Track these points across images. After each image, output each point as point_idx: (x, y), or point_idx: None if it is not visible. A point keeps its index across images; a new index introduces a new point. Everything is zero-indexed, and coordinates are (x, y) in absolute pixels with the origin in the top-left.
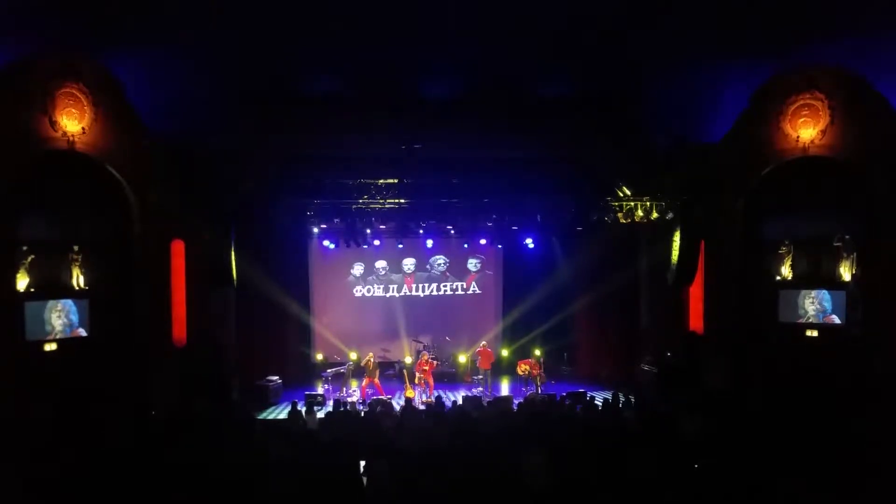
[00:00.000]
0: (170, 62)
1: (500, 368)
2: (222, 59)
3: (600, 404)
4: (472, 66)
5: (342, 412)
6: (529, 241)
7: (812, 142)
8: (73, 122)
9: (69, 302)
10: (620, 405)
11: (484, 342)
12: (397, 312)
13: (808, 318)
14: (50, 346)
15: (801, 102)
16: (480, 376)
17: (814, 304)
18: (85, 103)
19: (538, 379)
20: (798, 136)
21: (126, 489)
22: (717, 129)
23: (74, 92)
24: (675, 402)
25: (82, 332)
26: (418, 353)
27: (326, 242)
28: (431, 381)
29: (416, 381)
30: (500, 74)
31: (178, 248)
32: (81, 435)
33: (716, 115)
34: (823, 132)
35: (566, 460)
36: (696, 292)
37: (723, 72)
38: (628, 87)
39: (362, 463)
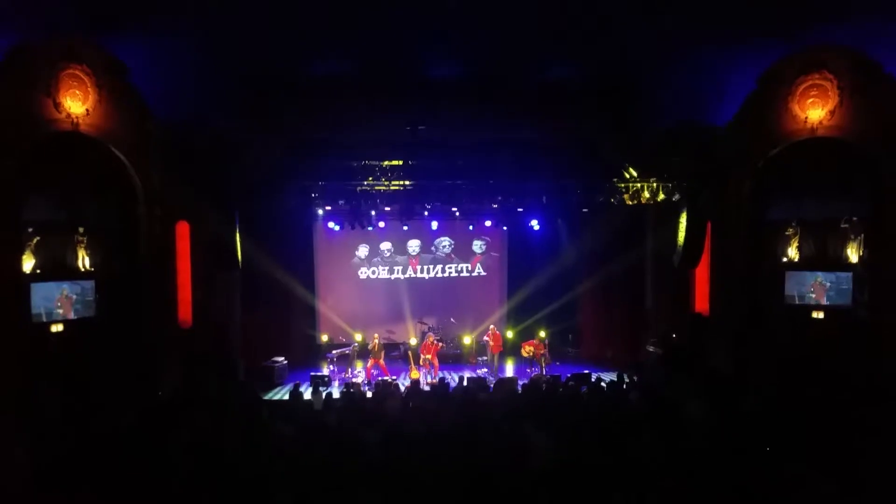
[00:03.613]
0: (172, 47)
1: (505, 350)
2: (224, 43)
3: (605, 386)
4: (476, 48)
5: (347, 393)
6: (535, 223)
7: (820, 123)
8: (76, 104)
9: (67, 284)
10: (625, 386)
11: (493, 325)
12: (402, 294)
13: (807, 299)
14: (56, 328)
15: (810, 83)
16: (485, 357)
17: (814, 289)
18: (88, 84)
19: (543, 360)
20: (806, 117)
21: (132, 469)
22: (724, 111)
23: (78, 73)
24: (680, 384)
25: (86, 315)
26: (423, 334)
27: (331, 224)
28: (436, 363)
29: (422, 362)
30: (504, 57)
31: (182, 230)
32: (87, 416)
33: (723, 96)
34: (832, 113)
35: (570, 441)
36: (701, 274)
37: (731, 53)
38: (635, 69)
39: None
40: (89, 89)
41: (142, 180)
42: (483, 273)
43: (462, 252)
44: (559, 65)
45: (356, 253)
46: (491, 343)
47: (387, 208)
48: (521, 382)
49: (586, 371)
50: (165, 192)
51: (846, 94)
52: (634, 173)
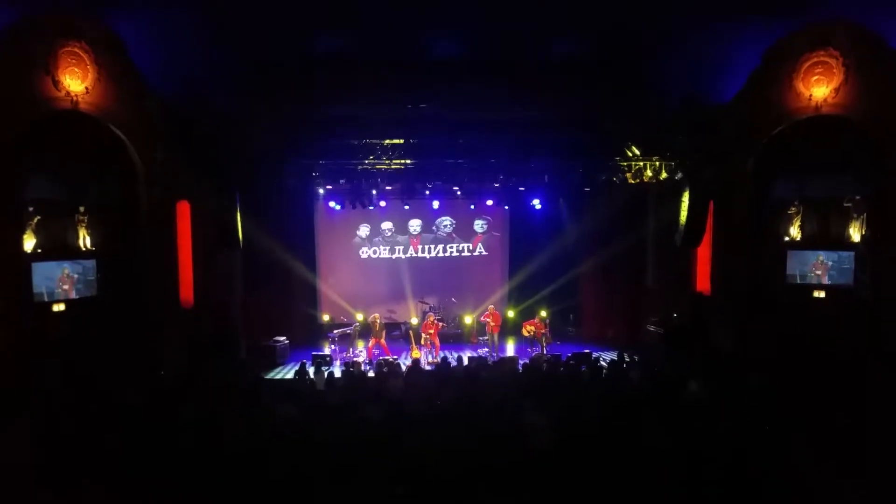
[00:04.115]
0: (172, 24)
1: (506, 329)
2: (225, 21)
3: (605, 365)
4: (478, 24)
5: (349, 372)
6: (536, 202)
7: (825, 100)
8: (75, 82)
9: (68, 263)
10: (625, 366)
11: (492, 305)
12: (403, 274)
13: (808, 279)
14: (58, 307)
15: (815, 60)
16: (486, 337)
17: (816, 268)
18: (87, 62)
19: (544, 340)
20: (811, 95)
21: (134, 449)
22: (728, 88)
23: (77, 51)
24: (681, 363)
25: (88, 294)
26: (424, 314)
27: (332, 203)
28: (437, 342)
29: (423, 342)
30: (507, 33)
31: (183, 210)
32: (89, 395)
33: (728, 73)
34: (837, 90)
35: (570, 420)
36: (703, 253)
37: (736, 30)
38: (639, 46)
39: None
40: (88, 67)
41: (142, 159)
42: (484, 252)
43: (463, 231)
44: (561, 42)
45: (357, 232)
46: (491, 323)
47: (388, 187)
48: (521, 362)
49: (587, 350)
50: (166, 170)
51: (851, 71)
52: (637, 152)
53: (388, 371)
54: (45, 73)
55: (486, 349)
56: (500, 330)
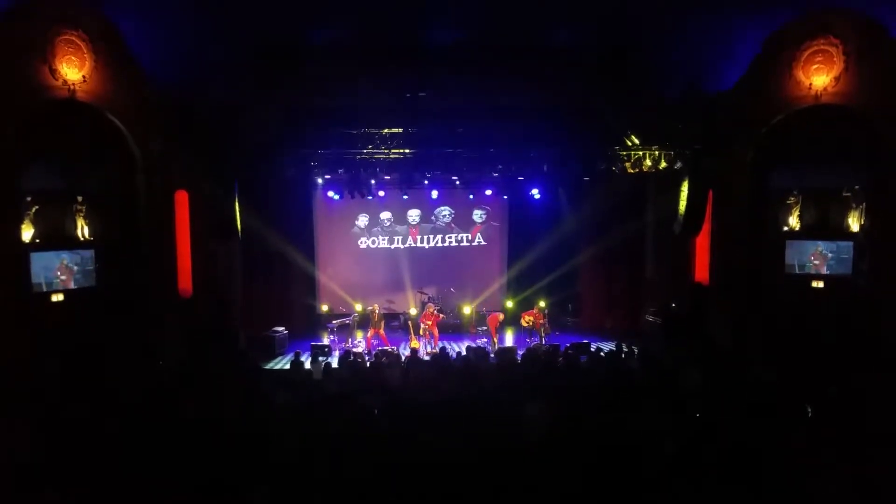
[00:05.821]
0: (170, 11)
1: (505, 319)
2: (224, 8)
3: (603, 355)
4: (477, 11)
5: (347, 362)
6: (535, 192)
7: (825, 89)
8: (73, 71)
9: (67, 254)
10: (623, 356)
11: (501, 314)
12: (402, 264)
13: (807, 269)
14: (56, 297)
15: (816, 48)
16: (485, 328)
17: (815, 258)
18: (85, 51)
19: (542, 330)
20: (811, 84)
21: (133, 439)
22: (728, 77)
23: (74, 39)
24: (679, 353)
25: (86, 284)
26: (423, 304)
27: (331, 193)
28: (436, 333)
29: (422, 332)
30: (506, 21)
31: (182, 200)
32: (88, 386)
33: (728, 61)
34: (837, 79)
35: (569, 411)
36: (702, 243)
37: (736, 16)
38: (639, 34)
39: None
40: (85, 55)
41: (140, 148)
42: (483, 242)
43: (462, 221)
44: (560, 29)
45: (356, 222)
46: (491, 328)
47: (386, 177)
48: (520, 352)
49: (586, 341)
50: (164, 160)
51: (851, 60)
52: (636, 141)
53: (386, 361)
54: (42, 61)
55: (486, 339)
56: (500, 323)
